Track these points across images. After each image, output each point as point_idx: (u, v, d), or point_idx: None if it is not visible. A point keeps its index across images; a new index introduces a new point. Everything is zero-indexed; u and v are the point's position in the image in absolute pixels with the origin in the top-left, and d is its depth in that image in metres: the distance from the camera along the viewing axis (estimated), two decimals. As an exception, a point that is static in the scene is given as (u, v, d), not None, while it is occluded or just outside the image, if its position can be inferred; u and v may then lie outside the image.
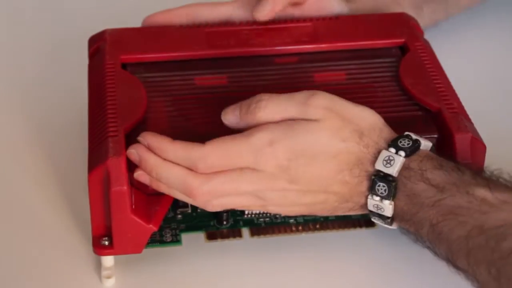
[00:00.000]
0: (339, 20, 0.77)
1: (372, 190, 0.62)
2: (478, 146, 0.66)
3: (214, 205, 0.63)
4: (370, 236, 0.69)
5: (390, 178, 0.62)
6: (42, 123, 0.80)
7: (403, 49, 0.75)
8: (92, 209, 0.65)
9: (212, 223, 0.69)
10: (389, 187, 0.62)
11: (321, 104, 0.63)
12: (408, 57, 0.73)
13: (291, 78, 0.71)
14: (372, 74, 0.73)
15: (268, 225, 0.69)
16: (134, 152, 0.64)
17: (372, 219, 0.65)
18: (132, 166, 0.64)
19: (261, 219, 0.69)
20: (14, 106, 0.82)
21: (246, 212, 0.69)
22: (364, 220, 0.70)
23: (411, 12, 0.81)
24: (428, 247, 0.63)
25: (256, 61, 0.74)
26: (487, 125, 0.70)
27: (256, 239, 0.68)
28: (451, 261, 0.61)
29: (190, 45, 0.74)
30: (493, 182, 0.61)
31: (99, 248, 0.65)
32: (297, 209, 0.65)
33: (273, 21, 0.76)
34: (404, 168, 0.62)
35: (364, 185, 0.63)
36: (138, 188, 0.65)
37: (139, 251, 0.65)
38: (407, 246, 0.66)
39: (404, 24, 0.77)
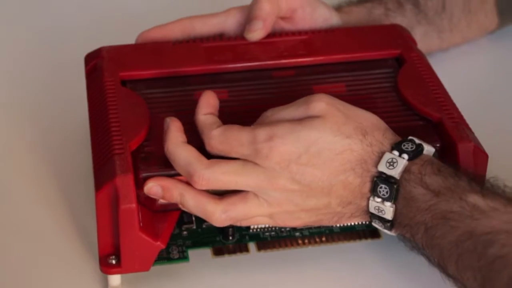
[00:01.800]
0: (334, 32, 0.78)
1: (374, 191, 0.63)
2: (480, 155, 0.67)
3: (222, 218, 0.63)
4: (375, 247, 0.69)
5: (392, 180, 0.62)
6: (45, 140, 0.79)
7: (398, 60, 0.76)
8: (99, 227, 0.64)
9: (218, 238, 0.69)
10: (390, 189, 0.62)
11: (324, 100, 0.64)
12: (406, 68, 0.74)
13: (291, 91, 0.72)
14: (370, 85, 0.73)
15: (274, 239, 0.69)
16: (168, 120, 0.65)
17: (373, 223, 0.65)
18: (138, 184, 0.64)
19: (267, 233, 0.69)
20: (17, 124, 0.82)
21: (252, 227, 0.69)
22: (369, 231, 0.70)
23: None
24: (423, 254, 0.63)
25: (256, 75, 0.74)
26: (483, 135, 0.70)
27: (263, 253, 0.68)
28: (442, 267, 0.62)
29: (189, 60, 0.74)
30: (487, 189, 0.62)
31: (106, 267, 0.65)
32: (303, 216, 0.64)
33: (270, 35, 0.77)
34: (406, 171, 0.62)
35: (367, 186, 0.63)
36: (145, 205, 0.65)
37: (146, 269, 0.65)
38: (413, 256, 0.66)
39: (398, 36, 0.78)
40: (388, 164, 0.63)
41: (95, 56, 0.75)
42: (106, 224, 0.64)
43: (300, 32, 0.78)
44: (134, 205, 0.62)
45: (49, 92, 0.85)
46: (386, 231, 0.65)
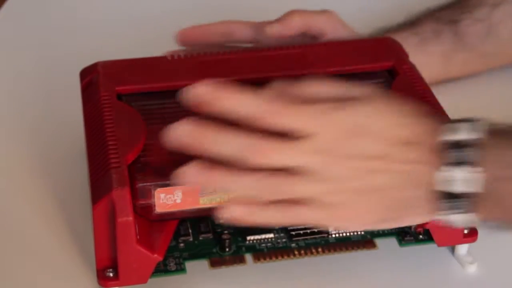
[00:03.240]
0: (327, 45, 0.79)
1: (450, 159, 0.57)
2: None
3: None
4: (371, 257, 0.70)
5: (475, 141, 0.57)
6: (42, 155, 0.80)
7: (391, 72, 0.76)
8: (96, 240, 0.65)
9: (214, 250, 0.69)
10: (476, 150, 0.56)
11: (366, 87, 0.62)
12: (399, 80, 0.74)
13: None
14: None
15: (270, 250, 0.69)
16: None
17: (440, 215, 0.59)
18: (134, 194, 0.64)
19: (263, 244, 0.70)
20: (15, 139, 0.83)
21: (248, 238, 0.70)
22: (364, 241, 0.70)
23: (438, 60, 0.80)
24: None
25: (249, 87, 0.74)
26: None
27: (259, 264, 0.69)
28: None
29: (184, 74, 0.74)
30: None
31: (104, 280, 0.65)
32: (374, 201, 0.59)
33: (264, 49, 0.77)
34: (489, 132, 0.58)
35: (438, 156, 0.58)
36: (141, 215, 0.65)
37: (144, 281, 0.65)
38: (408, 266, 0.67)
39: (390, 48, 0.79)
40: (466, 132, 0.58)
41: (91, 71, 0.75)
42: (103, 237, 0.64)
43: (294, 46, 0.79)
44: (131, 218, 0.63)
45: (47, 109, 0.86)
46: (461, 220, 0.58)
